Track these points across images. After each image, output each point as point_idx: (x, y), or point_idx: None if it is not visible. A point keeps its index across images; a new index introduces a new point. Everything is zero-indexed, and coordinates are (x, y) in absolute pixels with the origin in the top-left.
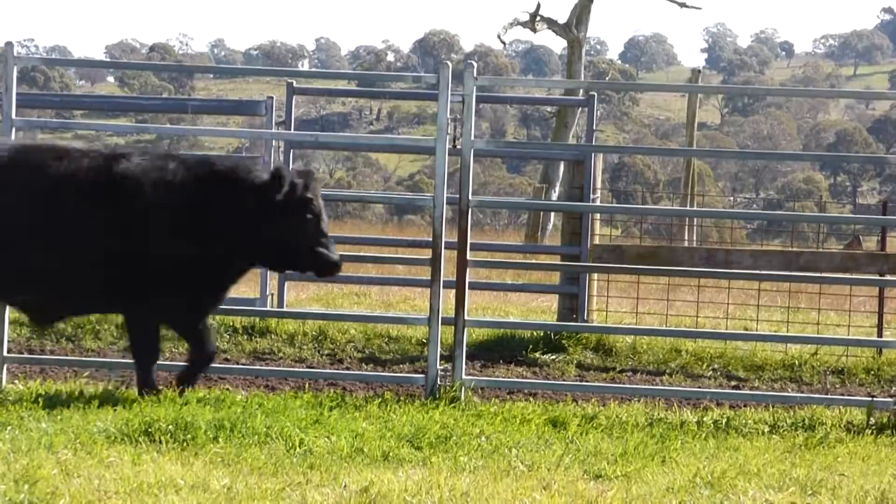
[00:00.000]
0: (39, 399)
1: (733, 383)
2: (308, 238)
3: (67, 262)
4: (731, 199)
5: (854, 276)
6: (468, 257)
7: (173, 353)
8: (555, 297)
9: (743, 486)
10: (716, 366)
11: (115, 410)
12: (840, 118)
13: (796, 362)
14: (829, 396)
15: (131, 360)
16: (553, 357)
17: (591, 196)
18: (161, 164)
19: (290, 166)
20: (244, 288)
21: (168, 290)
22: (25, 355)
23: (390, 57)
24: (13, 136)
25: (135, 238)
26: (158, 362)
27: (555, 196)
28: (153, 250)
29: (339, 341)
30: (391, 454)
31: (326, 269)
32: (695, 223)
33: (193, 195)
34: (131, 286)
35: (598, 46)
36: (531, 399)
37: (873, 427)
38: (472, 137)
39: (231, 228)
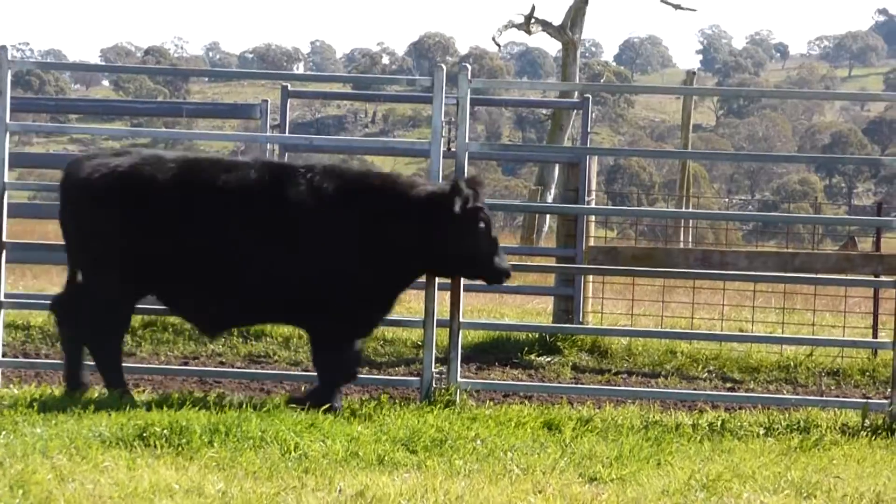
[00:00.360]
0: (34, 403)
1: (728, 385)
2: (481, 246)
3: (234, 277)
4: (727, 200)
5: (849, 277)
6: None
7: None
8: (550, 299)
9: (738, 489)
10: (711, 367)
11: (110, 415)
12: (835, 120)
13: (791, 364)
14: (824, 398)
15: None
16: (548, 359)
17: (587, 198)
18: (331, 177)
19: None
20: None
21: (339, 303)
22: (20, 359)
23: (385, 60)
24: (7, 141)
25: (309, 252)
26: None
27: (550, 198)
28: (324, 265)
29: None
30: (386, 458)
31: (496, 278)
32: (690, 225)
33: (367, 208)
34: (302, 300)
35: (593, 48)
36: (526, 402)
37: (868, 429)
38: (467, 140)
39: (406, 241)
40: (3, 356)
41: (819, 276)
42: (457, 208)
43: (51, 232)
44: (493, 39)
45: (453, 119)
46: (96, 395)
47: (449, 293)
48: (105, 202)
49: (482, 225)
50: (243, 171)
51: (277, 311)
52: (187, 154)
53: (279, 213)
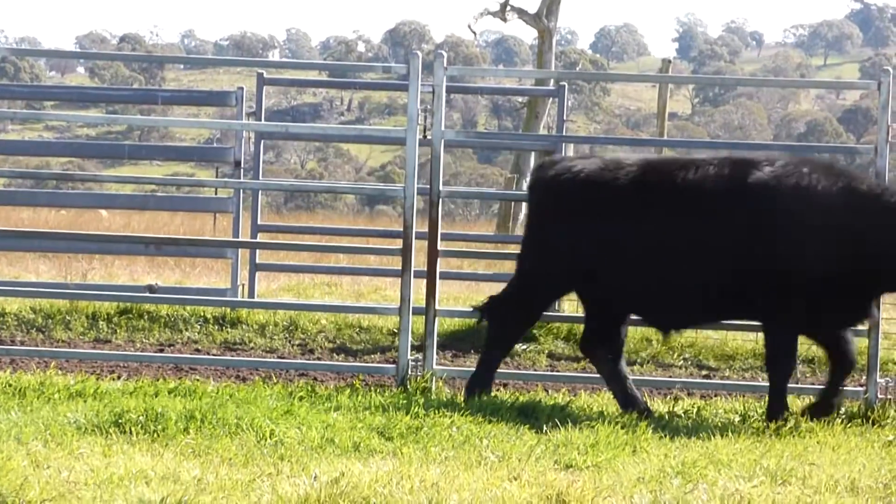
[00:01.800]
0: (9, 390)
1: (704, 373)
2: None
3: (705, 276)
4: None
5: None
6: (439, 247)
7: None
8: None
9: (713, 476)
10: (687, 355)
11: (86, 401)
12: (811, 108)
13: None
14: (799, 386)
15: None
16: (524, 347)
17: None
18: (804, 174)
19: (261, 157)
20: (215, 278)
21: (805, 306)
22: None
23: (361, 47)
24: None
25: (776, 252)
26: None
27: (526, 186)
28: (796, 265)
29: (310, 331)
30: (362, 445)
31: None
32: None
33: (842, 209)
34: (769, 300)
35: (569, 36)
36: (502, 389)
37: (843, 416)
38: (443, 128)
39: (874, 251)
40: None
41: None
42: None
43: (26, 219)
44: (469, 27)
45: (429, 107)
46: (71, 381)
47: (425, 281)
48: (571, 204)
49: None
50: (701, 169)
51: (734, 309)
52: (646, 157)
53: (749, 211)
